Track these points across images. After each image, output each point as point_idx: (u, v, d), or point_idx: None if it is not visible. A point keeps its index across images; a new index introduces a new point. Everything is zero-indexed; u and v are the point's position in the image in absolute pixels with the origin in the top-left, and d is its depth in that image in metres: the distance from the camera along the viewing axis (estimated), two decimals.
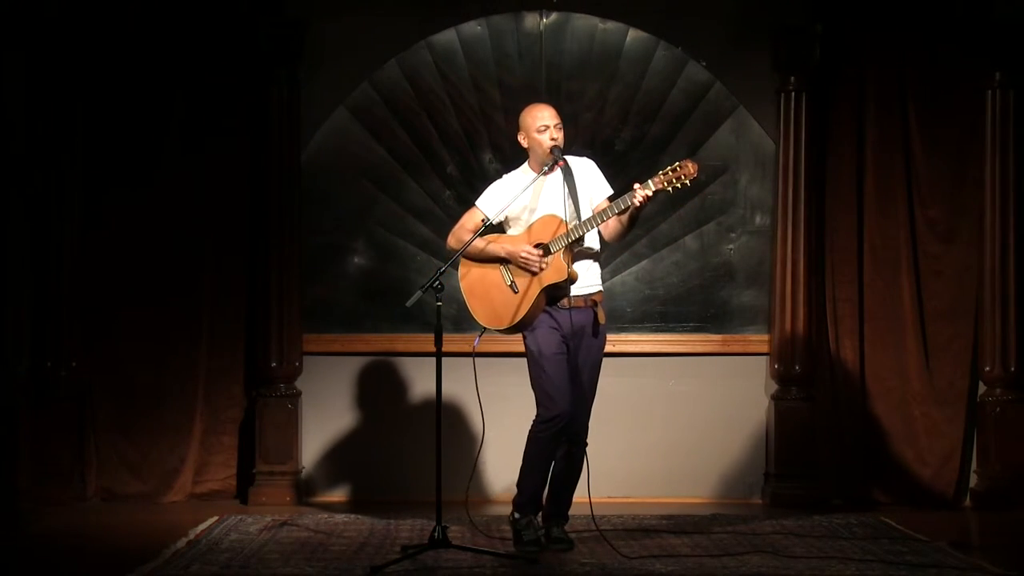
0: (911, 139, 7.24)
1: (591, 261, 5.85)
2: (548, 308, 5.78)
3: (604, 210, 5.69)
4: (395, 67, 7.29)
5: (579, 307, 5.78)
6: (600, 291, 5.88)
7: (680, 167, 5.58)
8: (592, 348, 5.83)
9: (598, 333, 5.82)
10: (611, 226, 5.82)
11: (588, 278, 5.81)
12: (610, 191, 5.91)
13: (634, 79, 7.31)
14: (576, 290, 5.76)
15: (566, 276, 5.71)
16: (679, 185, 5.59)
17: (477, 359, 5.87)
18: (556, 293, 5.76)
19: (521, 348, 5.89)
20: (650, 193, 5.57)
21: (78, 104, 7.11)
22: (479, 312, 5.87)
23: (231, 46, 7.17)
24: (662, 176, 5.60)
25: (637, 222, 5.81)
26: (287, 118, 7.16)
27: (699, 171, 5.61)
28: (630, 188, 5.62)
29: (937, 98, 7.21)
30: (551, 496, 5.94)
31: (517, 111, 5.94)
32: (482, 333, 5.95)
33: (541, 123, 5.81)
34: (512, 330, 5.83)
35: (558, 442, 5.82)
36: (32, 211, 6.93)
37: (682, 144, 7.32)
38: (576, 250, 5.76)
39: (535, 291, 5.74)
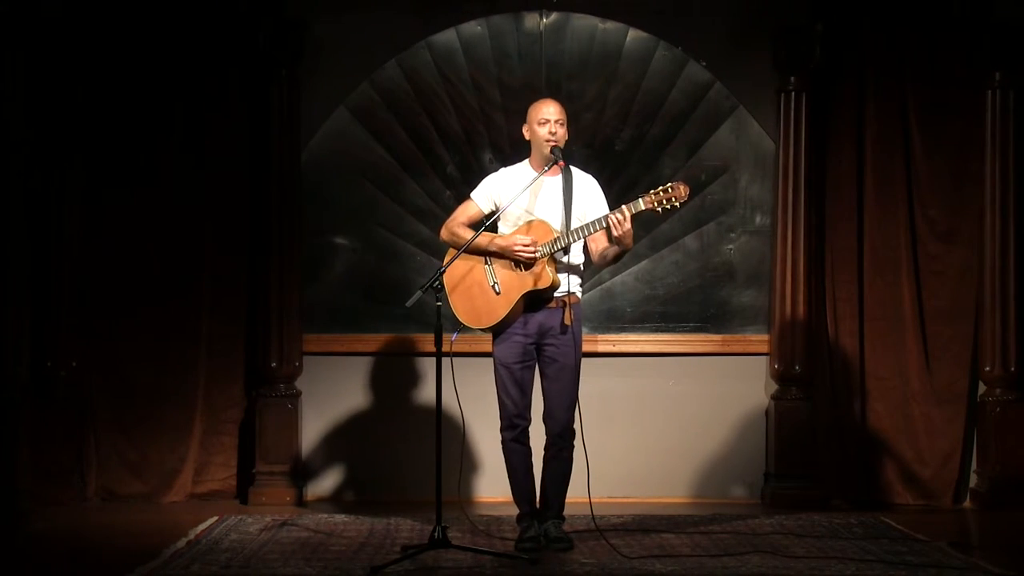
0: (911, 139, 7.23)
1: (573, 271, 5.84)
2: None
3: (590, 223, 5.69)
4: (395, 67, 7.29)
5: (549, 308, 5.79)
6: (575, 294, 5.85)
7: (672, 188, 5.60)
8: (561, 347, 5.80)
9: (566, 332, 5.80)
10: (597, 249, 5.85)
11: (565, 282, 5.80)
12: (606, 212, 5.83)
13: (634, 79, 7.31)
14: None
15: (549, 283, 5.72)
16: (668, 207, 5.61)
17: (475, 358, 5.86)
18: (536, 299, 5.78)
19: None
20: (630, 213, 5.57)
21: (78, 104, 7.11)
22: (459, 308, 5.88)
23: (231, 46, 7.17)
24: (652, 196, 5.62)
25: (623, 255, 5.82)
26: (287, 118, 7.16)
27: (690, 194, 5.63)
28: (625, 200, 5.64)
29: (937, 98, 7.21)
30: (542, 496, 5.95)
31: (517, 111, 5.95)
32: (460, 330, 5.98)
33: (542, 116, 5.81)
34: (489, 330, 5.86)
35: (524, 445, 5.87)
36: (32, 211, 6.93)
37: (682, 144, 7.32)
38: (560, 259, 5.77)
39: (516, 295, 5.75)
